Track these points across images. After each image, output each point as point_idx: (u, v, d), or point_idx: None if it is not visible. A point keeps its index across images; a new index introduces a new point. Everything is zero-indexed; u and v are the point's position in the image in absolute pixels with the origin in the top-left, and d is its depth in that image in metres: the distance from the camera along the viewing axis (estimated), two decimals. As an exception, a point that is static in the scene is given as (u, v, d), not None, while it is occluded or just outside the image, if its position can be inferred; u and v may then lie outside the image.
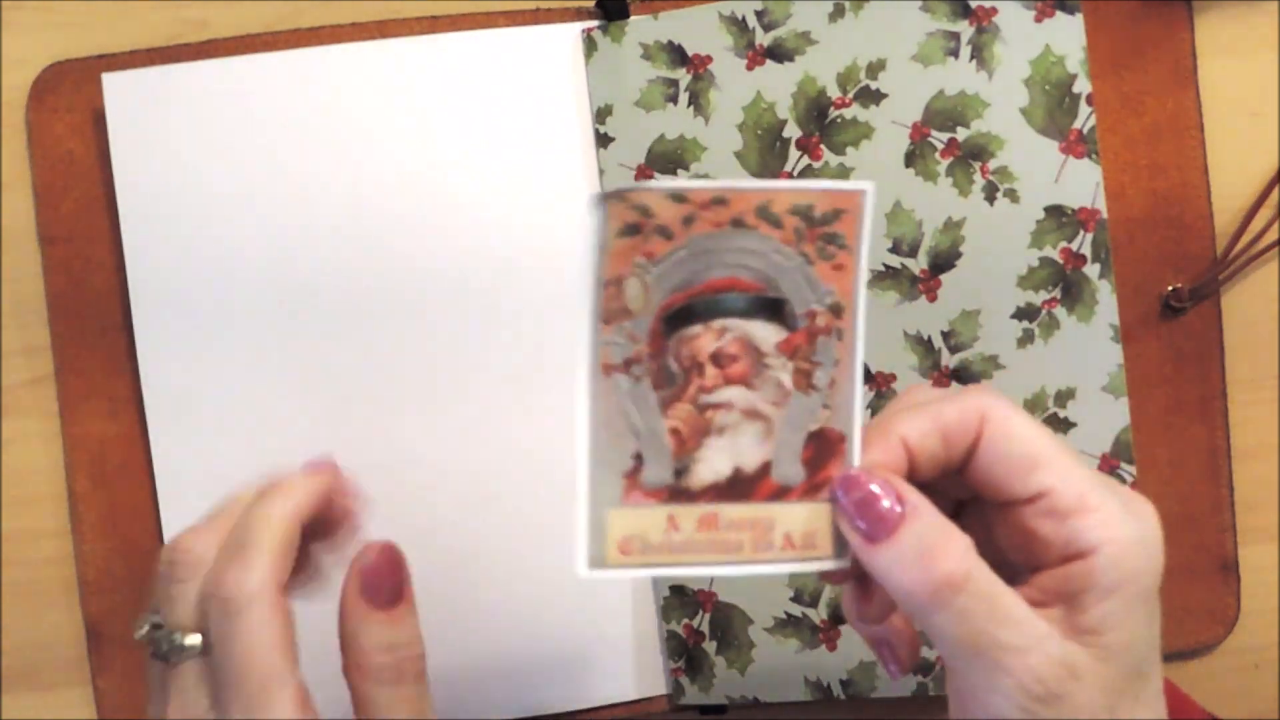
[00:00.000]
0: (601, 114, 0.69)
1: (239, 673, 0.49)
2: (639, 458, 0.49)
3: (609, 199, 0.48)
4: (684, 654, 0.70)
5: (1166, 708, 0.52)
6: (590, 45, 0.69)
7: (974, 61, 0.66)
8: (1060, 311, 0.66)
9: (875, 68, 0.67)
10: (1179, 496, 0.71)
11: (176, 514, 0.70)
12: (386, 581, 0.53)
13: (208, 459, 0.70)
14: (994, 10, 0.66)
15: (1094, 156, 0.66)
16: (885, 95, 0.67)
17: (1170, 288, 0.69)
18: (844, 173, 0.67)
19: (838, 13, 0.67)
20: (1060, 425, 0.66)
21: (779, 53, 0.68)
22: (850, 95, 0.67)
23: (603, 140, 0.70)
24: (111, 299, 0.70)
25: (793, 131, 0.68)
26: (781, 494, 0.50)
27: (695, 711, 0.71)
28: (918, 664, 0.54)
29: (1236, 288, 0.71)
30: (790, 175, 0.68)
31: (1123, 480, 0.66)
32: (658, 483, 0.50)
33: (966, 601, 0.47)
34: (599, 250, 0.49)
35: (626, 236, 0.49)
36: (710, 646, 0.70)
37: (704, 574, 0.51)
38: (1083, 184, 0.66)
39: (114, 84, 0.69)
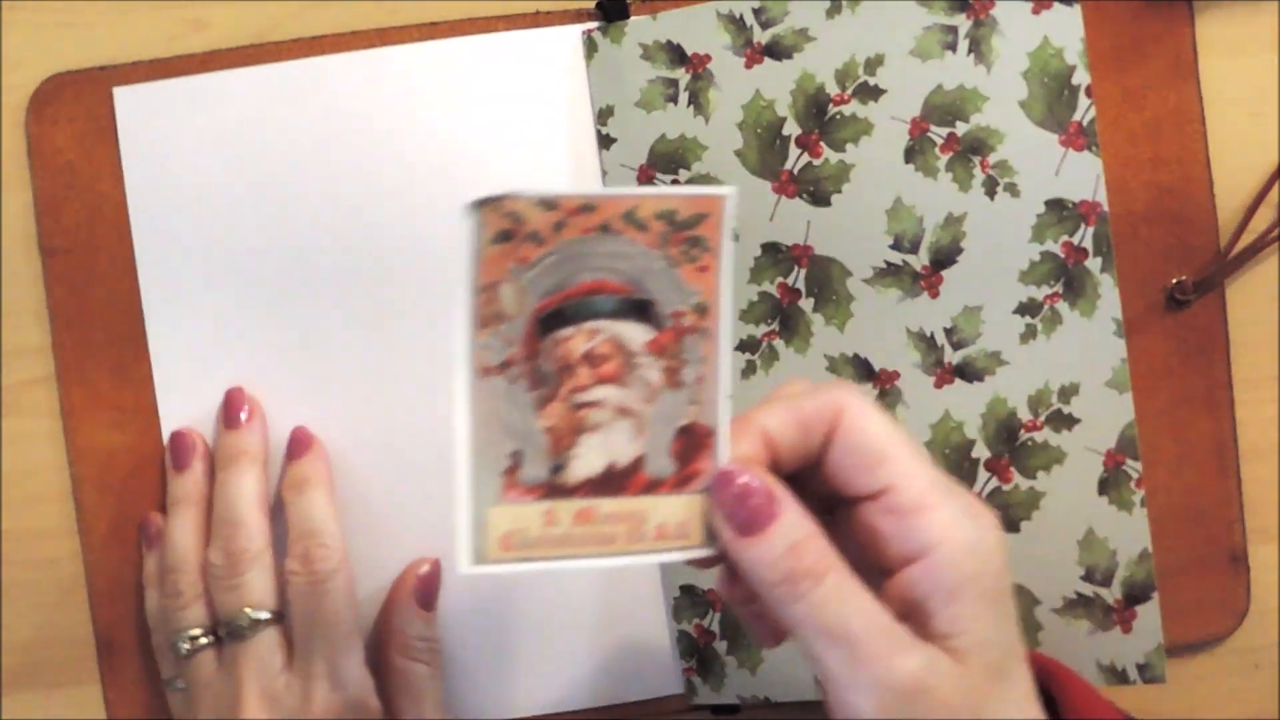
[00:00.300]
0: (603, 115, 0.69)
1: (327, 627, 0.64)
2: (516, 456, 0.52)
3: (482, 206, 0.50)
4: (695, 654, 0.70)
5: (1079, 706, 0.55)
6: (590, 46, 0.69)
7: (972, 55, 0.66)
8: (1063, 306, 0.66)
9: (873, 63, 0.67)
10: (1186, 490, 0.70)
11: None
12: (433, 591, 0.70)
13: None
14: (991, 3, 0.66)
15: (1094, 149, 0.65)
16: (884, 91, 0.67)
17: (1174, 280, 0.69)
18: (844, 169, 0.67)
19: (835, 9, 0.67)
20: (1064, 421, 0.66)
21: (777, 50, 0.68)
22: (849, 92, 0.67)
23: (605, 141, 0.70)
24: (115, 309, 0.70)
25: (792, 129, 0.68)
26: (653, 487, 0.52)
27: (708, 711, 0.71)
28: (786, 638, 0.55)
29: (1239, 281, 0.71)
30: (791, 174, 0.68)
31: (1128, 476, 0.66)
32: (535, 480, 0.52)
33: (826, 593, 0.49)
34: (473, 257, 0.50)
35: (500, 243, 0.50)
36: (721, 646, 0.70)
37: (582, 567, 0.52)
38: (1083, 177, 0.65)
39: (125, 98, 0.70)
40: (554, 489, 0.52)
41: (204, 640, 0.66)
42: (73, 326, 0.71)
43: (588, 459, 0.52)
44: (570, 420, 0.52)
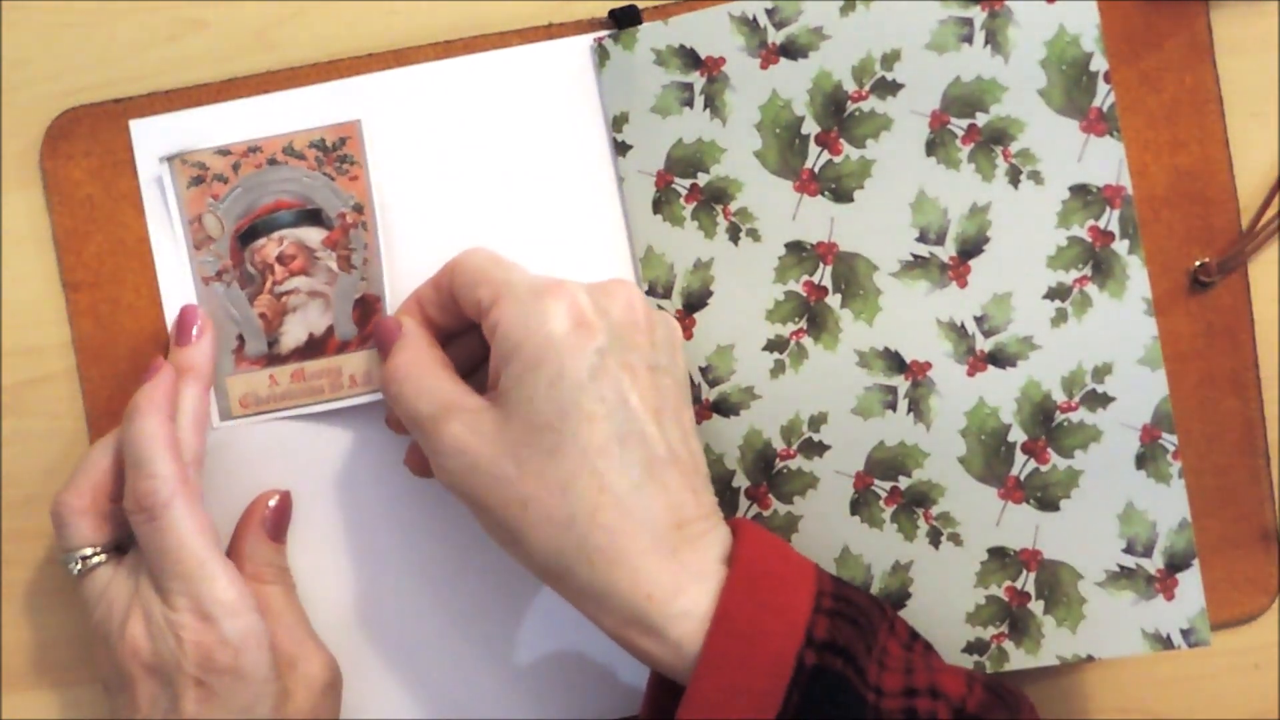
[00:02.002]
0: (617, 122, 0.70)
1: (174, 561, 0.63)
2: (241, 338, 0.70)
3: (170, 161, 0.69)
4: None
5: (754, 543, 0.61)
6: (602, 54, 0.70)
7: (988, 46, 0.66)
8: (1092, 289, 0.66)
9: (890, 59, 0.67)
10: (1216, 470, 0.71)
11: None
12: (283, 523, 0.71)
13: (254, 490, 0.71)
14: (1005, -7, 0.66)
15: (1115, 133, 0.66)
16: (902, 85, 0.67)
17: (1198, 262, 0.70)
18: (865, 165, 0.67)
19: (849, 6, 0.67)
20: (1099, 400, 0.66)
21: (792, 50, 0.68)
22: (866, 88, 0.67)
23: (620, 148, 0.70)
24: (143, 340, 0.71)
25: (811, 128, 0.68)
26: (344, 347, 0.70)
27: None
28: None
29: (1262, 260, 0.71)
30: (812, 172, 0.68)
31: (1165, 450, 0.66)
32: (257, 353, 0.70)
33: (411, 386, 0.63)
34: (178, 199, 0.70)
35: (195, 186, 0.70)
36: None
37: (303, 413, 0.70)
38: (1106, 161, 0.66)
39: (141, 130, 0.70)
40: (272, 359, 0.70)
41: (96, 559, 0.66)
42: (100, 360, 0.71)
43: (293, 333, 0.70)
44: (276, 306, 0.70)
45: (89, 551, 0.65)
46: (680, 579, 0.58)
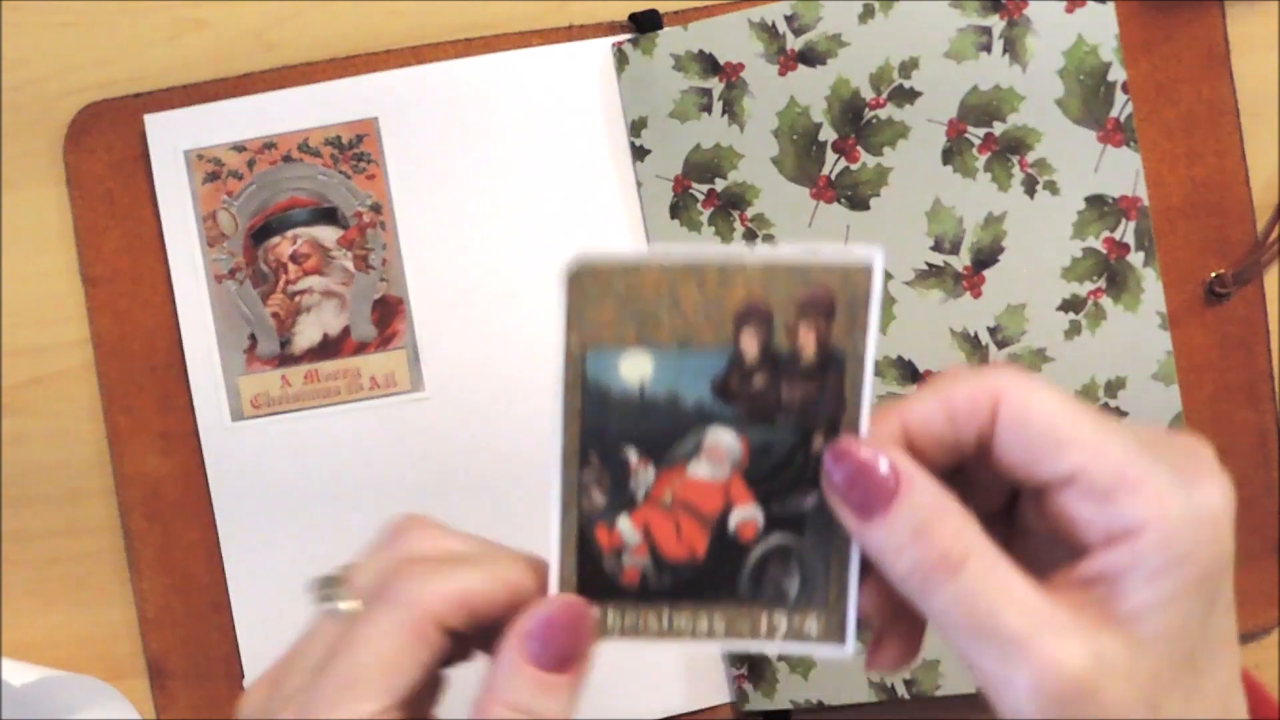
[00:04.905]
0: (636, 127, 0.70)
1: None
2: (253, 338, 0.70)
3: (185, 156, 0.69)
4: (746, 660, 0.70)
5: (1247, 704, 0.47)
6: (621, 59, 0.70)
7: (1006, 55, 0.66)
8: (1106, 301, 0.66)
9: (908, 66, 0.67)
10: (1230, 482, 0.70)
11: (238, 548, 0.71)
12: (558, 643, 0.48)
13: (266, 492, 0.71)
14: (1024, 3, 0.66)
15: (1133, 144, 0.66)
16: (919, 93, 0.67)
17: (1213, 274, 0.69)
18: (882, 173, 0.67)
19: (867, 13, 0.67)
20: (1112, 415, 0.66)
21: (811, 56, 0.68)
22: (884, 95, 0.67)
23: (639, 153, 0.70)
24: (159, 336, 0.71)
25: (828, 134, 0.68)
26: (362, 349, 0.70)
27: (760, 718, 0.71)
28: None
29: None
30: (829, 179, 0.68)
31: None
32: (269, 354, 0.70)
33: (966, 583, 0.42)
34: (192, 195, 0.69)
35: (210, 183, 0.70)
36: (771, 652, 0.70)
37: (318, 414, 0.70)
38: (1122, 172, 0.66)
39: (156, 124, 0.70)
40: (285, 359, 0.70)
41: None
42: (116, 355, 0.71)
43: (306, 333, 0.70)
44: (289, 306, 0.70)
45: None
46: None
